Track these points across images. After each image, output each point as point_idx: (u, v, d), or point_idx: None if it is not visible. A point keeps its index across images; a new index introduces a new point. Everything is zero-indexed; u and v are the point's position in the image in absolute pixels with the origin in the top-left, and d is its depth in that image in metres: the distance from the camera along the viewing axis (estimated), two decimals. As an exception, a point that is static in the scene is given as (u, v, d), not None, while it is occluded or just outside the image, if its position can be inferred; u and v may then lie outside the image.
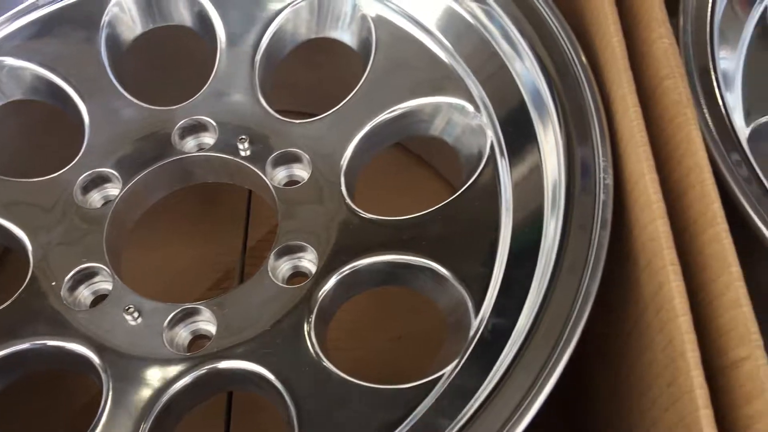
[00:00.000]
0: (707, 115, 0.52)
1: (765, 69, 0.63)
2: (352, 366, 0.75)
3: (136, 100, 0.68)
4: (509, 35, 0.60)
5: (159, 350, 0.55)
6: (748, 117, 0.61)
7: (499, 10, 0.60)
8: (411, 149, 0.89)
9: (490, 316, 0.51)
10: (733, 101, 0.60)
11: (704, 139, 0.51)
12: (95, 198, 0.65)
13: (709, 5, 0.58)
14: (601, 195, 0.49)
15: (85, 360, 0.55)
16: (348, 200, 0.62)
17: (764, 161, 0.83)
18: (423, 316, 0.68)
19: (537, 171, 0.55)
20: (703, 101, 0.52)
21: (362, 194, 0.70)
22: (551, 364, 0.44)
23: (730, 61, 0.61)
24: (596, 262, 0.46)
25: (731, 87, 0.61)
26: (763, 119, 0.60)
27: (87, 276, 0.60)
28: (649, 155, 0.48)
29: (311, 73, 0.85)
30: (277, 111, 0.69)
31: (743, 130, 0.60)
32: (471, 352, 0.50)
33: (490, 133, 0.61)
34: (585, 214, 0.49)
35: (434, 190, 0.86)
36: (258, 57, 0.69)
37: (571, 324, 0.44)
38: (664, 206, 0.46)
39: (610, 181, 0.49)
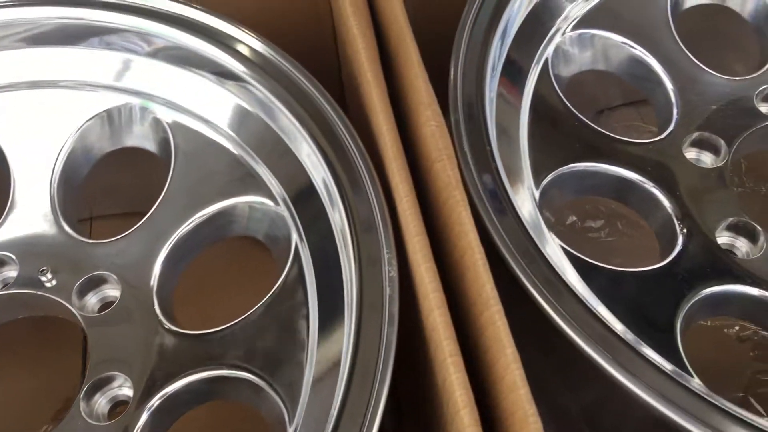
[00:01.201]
0: (480, 189, 0.53)
1: (546, 130, 0.66)
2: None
3: (-72, 247, 0.65)
4: (292, 128, 0.60)
5: None
6: (537, 177, 0.63)
7: (279, 105, 0.61)
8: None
9: (301, 428, 0.50)
10: (520, 164, 0.62)
11: (481, 212, 0.52)
12: None
13: (477, 83, 0.60)
14: (387, 288, 0.49)
15: None
16: (162, 318, 0.60)
17: (556, 212, 0.86)
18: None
19: (336, 265, 0.55)
20: (475, 174, 0.54)
21: (199, 297, 0.68)
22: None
23: (510, 129, 0.63)
24: (385, 364, 0.46)
25: (515, 151, 0.62)
26: (549, 177, 0.63)
27: None
28: (424, 245, 0.48)
29: (133, 175, 0.82)
30: (104, 216, 0.67)
31: (533, 191, 0.62)
32: (286, 467, 0.49)
33: (293, 227, 0.61)
34: (375, 309, 0.49)
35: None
36: (54, 181, 0.66)
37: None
38: (440, 296, 0.46)
39: (394, 273, 0.50)
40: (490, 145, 0.56)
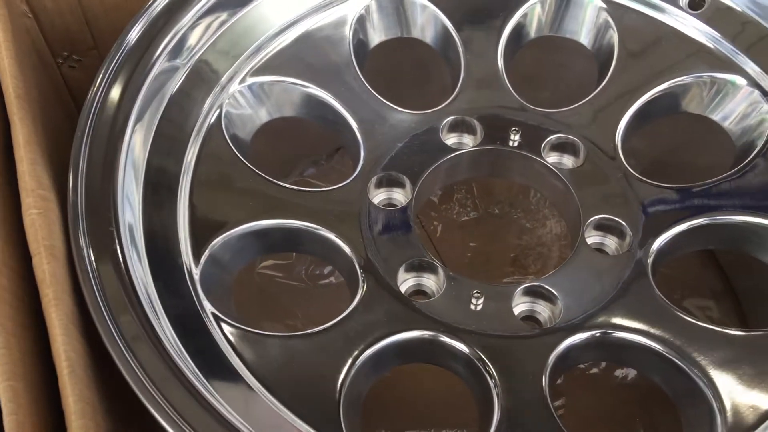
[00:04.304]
0: (93, 281, 0.48)
1: (214, 196, 0.61)
2: None
3: None
4: None
5: None
6: (200, 247, 0.58)
7: None
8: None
9: None
10: (175, 239, 0.57)
11: (91, 311, 0.47)
12: None
13: (106, 160, 0.55)
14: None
15: None
16: None
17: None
18: None
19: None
20: (88, 262, 0.48)
21: None
22: None
23: (165, 201, 0.59)
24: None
25: (170, 225, 0.57)
26: (216, 244, 0.59)
27: None
28: (5, 359, 0.42)
29: None
30: None
31: (190, 265, 0.57)
32: None
33: None
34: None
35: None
36: None
37: None
38: (15, 419, 0.40)
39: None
40: (114, 225, 0.51)
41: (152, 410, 0.44)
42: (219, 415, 0.46)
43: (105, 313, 0.46)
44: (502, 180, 0.92)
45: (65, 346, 0.43)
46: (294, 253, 0.84)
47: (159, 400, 0.44)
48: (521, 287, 0.61)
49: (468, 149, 0.69)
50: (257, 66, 0.70)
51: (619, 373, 0.77)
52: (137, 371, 0.45)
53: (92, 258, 0.49)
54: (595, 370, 0.77)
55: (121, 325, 0.46)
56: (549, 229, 0.90)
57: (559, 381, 0.77)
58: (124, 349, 0.45)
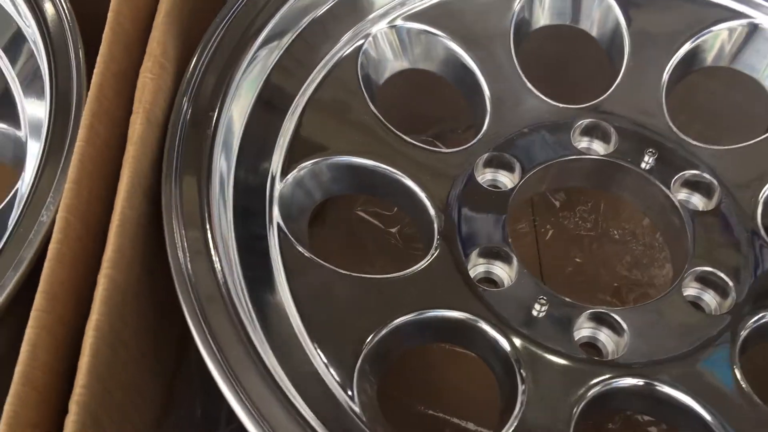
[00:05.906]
0: (176, 154, 0.50)
1: (327, 119, 0.62)
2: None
3: None
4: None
5: None
6: (293, 160, 0.59)
7: None
8: None
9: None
10: (272, 144, 0.59)
11: (163, 182, 0.49)
12: None
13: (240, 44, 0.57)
14: (32, 234, 0.47)
15: None
16: None
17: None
18: None
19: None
20: (179, 136, 0.50)
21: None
22: None
23: (277, 104, 0.60)
24: None
25: (273, 128, 0.59)
26: (308, 164, 0.59)
27: None
28: (72, 194, 0.45)
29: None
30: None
31: (276, 171, 0.58)
32: None
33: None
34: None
35: None
36: None
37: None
38: (57, 247, 0.43)
39: (47, 218, 0.47)
40: (216, 111, 0.53)
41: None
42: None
43: (172, 185, 0.49)
44: (635, 206, 0.87)
45: (124, 202, 0.45)
46: (395, 208, 0.84)
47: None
48: (590, 311, 0.56)
49: (593, 156, 0.65)
50: (412, 11, 0.69)
51: (677, 440, 0.70)
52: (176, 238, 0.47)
53: (185, 132, 0.51)
54: (653, 429, 0.71)
55: (184, 197, 0.48)
56: (665, 273, 0.83)
57: (613, 426, 0.72)
58: (175, 222, 0.47)
